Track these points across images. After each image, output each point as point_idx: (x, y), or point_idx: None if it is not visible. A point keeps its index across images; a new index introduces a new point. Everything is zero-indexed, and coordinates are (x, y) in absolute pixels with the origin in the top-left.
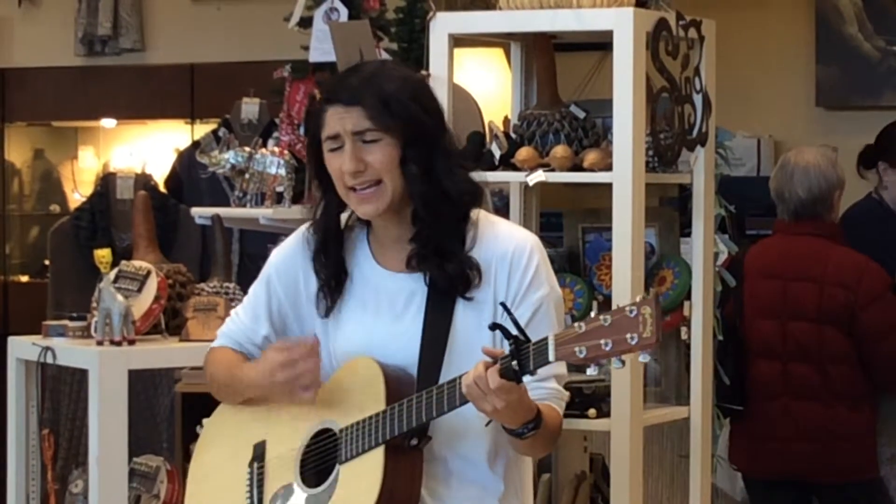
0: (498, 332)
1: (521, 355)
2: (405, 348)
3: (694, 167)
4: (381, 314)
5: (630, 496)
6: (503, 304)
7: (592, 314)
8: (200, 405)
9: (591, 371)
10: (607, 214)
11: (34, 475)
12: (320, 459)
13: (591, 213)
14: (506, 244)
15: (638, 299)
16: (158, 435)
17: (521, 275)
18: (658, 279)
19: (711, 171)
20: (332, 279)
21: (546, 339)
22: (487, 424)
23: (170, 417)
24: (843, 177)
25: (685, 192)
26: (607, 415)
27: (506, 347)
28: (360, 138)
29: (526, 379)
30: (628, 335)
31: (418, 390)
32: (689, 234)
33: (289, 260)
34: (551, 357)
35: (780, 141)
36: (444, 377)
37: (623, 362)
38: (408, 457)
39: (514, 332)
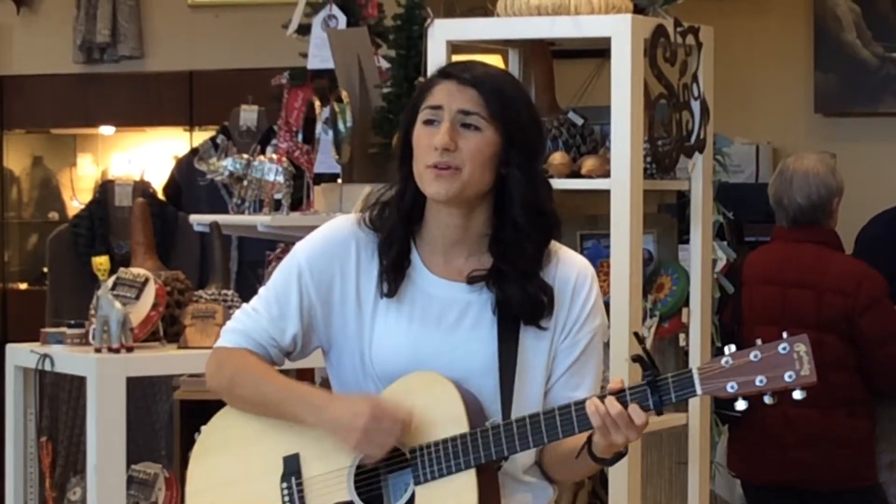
0: (549, 356)
1: (659, 387)
2: (460, 362)
3: (692, 174)
4: (430, 323)
5: (628, 503)
6: (636, 334)
7: (731, 349)
8: (199, 412)
9: (742, 405)
10: (605, 221)
11: (32, 483)
12: (372, 478)
13: (590, 220)
14: (569, 270)
15: (785, 335)
16: (157, 442)
17: (583, 303)
18: (656, 286)
19: (710, 178)
20: (399, 264)
21: (690, 371)
22: (578, 456)
23: (168, 425)
24: (842, 184)
25: (683, 198)
26: None
27: (583, 378)
28: (462, 119)
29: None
30: (786, 373)
31: (503, 413)
32: (687, 241)
33: (326, 256)
34: (699, 390)
35: (778, 147)
36: (516, 400)
37: (774, 398)
38: (491, 477)
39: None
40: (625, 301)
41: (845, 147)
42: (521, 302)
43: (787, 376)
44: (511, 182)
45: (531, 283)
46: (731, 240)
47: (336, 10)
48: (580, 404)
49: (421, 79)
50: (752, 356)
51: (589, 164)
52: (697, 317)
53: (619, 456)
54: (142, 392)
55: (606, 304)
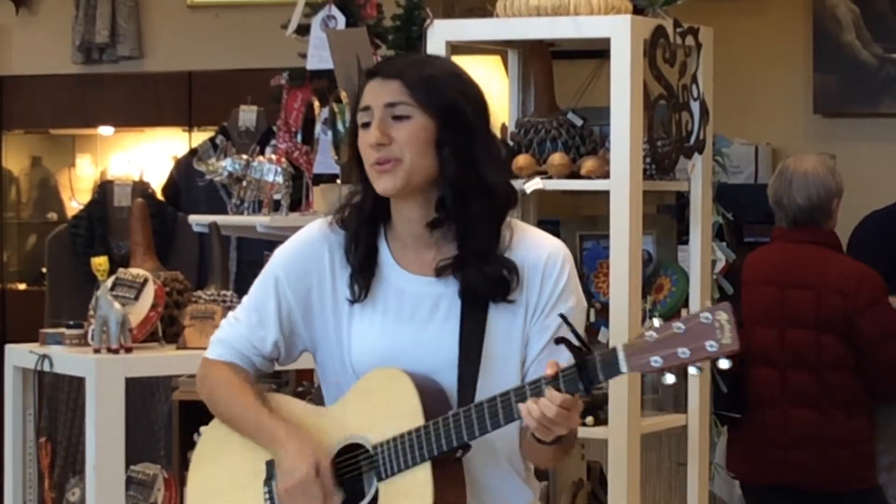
0: (522, 338)
1: (587, 368)
2: (432, 355)
3: (691, 174)
4: (404, 320)
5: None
6: (562, 316)
7: (657, 322)
8: (198, 413)
9: (670, 379)
10: (605, 222)
11: (31, 483)
12: (344, 476)
13: (589, 221)
14: (539, 251)
15: (708, 304)
16: (156, 443)
17: (554, 283)
18: (656, 287)
19: (709, 179)
20: (367, 265)
21: (614, 349)
22: (521, 445)
23: (167, 425)
24: (841, 184)
25: (683, 199)
26: (605, 422)
27: (558, 358)
28: (391, 112)
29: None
30: (707, 342)
31: (459, 402)
32: (686, 242)
33: (301, 262)
34: (623, 368)
35: (777, 148)
36: (480, 386)
37: (701, 369)
38: (453, 470)
39: (577, 343)
40: (624, 302)
41: (845, 148)
42: (481, 284)
43: (710, 346)
44: (444, 163)
45: (488, 264)
46: (730, 241)
47: (335, 11)
48: (519, 391)
49: None
50: (675, 328)
51: (588, 164)
52: None
53: (560, 438)
54: (141, 393)
55: (605, 306)
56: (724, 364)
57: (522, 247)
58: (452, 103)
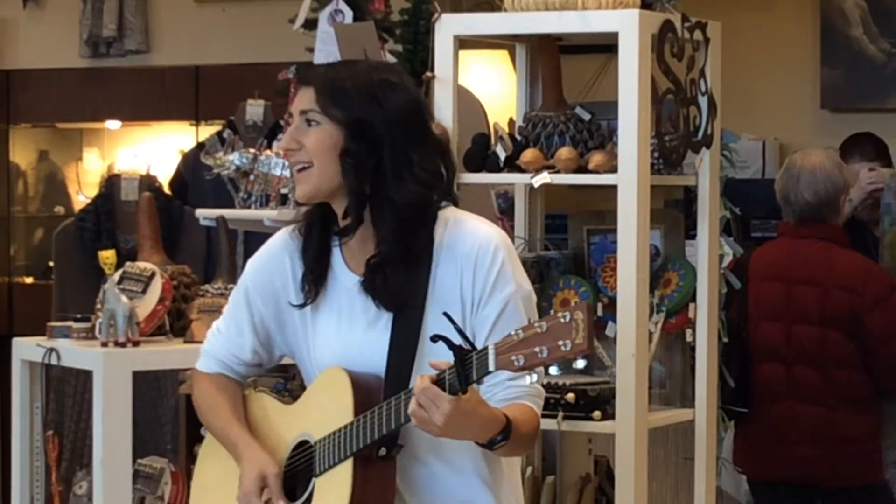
0: (467, 332)
1: (465, 365)
2: (376, 355)
3: (699, 169)
4: (355, 321)
5: (635, 499)
6: (446, 314)
7: (529, 321)
8: None
9: (533, 378)
10: (612, 216)
11: (38, 477)
12: (297, 473)
13: (596, 215)
14: (470, 243)
15: (572, 304)
16: (163, 436)
17: (486, 274)
18: (663, 281)
19: (717, 173)
20: (315, 265)
21: (486, 348)
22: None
23: (174, 419)
24: (849, 180)
25: (690, 193)
26: (612, 417)
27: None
28: (304, 118)
29: (499, 378)
30: (561, 342)
31: (385, 398)
32: (694, 237)
33: (265, 269)
34: (492, 367)
35: (785, 143)
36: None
37: (560, 370)
38: (378, 467)
39: (459, 341)
40: (632, 296)
41: None
42: (384, 289)
43: (563, 345)
44: (345, 172)
45: (395, 270)
46: (737, 235)
47: (342, 5)
48: (409, 393)
49: (428, 73)
50: (538, 326)
51: (596, 159)
52: (704, 312)
53: (496, 440)
54: (148, 386)
55: (613, 300)
56: (579, 364)
57: (455, 240)
58: (359, 115)
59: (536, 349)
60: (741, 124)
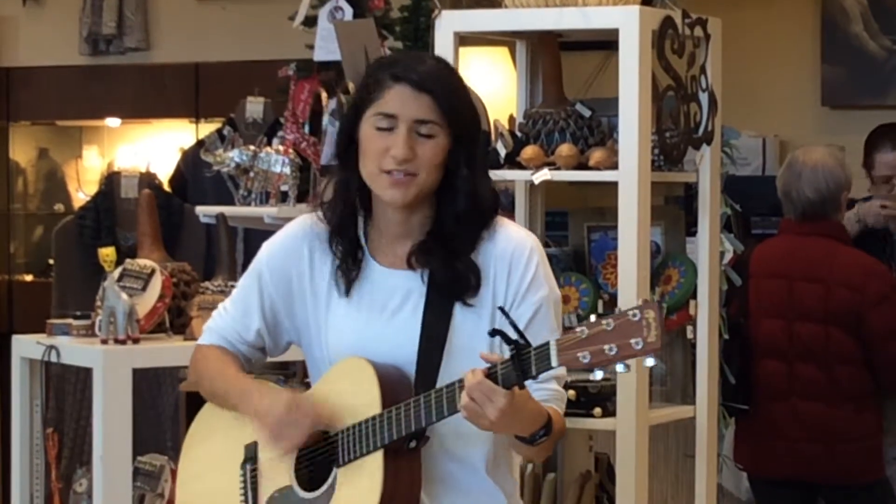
0: (497, 336)
1: (522, 360)
2: (401, 347)
3: (700, 166)
4: (375, 311)
5: (635, 496)
6: (501, 308)
7: (593, 318)
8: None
9: (597, 375)
10: (613, 213)
11: (38, 474)
12: (314, 462)
13: (597, 212)
14: (505, 245)
15: (640, 302)
16: (162, 434)
17: (521, 276)
18: (664, 278)
19: (717, 170)
20: (349, 256)
21: (548, 344)
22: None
23: (174, 416)
24: (850, 177)
25: (691, 190)
26: (613, 414)
27: (505, 352)
28: (418, 128)
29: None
30: (633, 340)
31: (416, 391)
32: (694, 233)
33: (281, 256)
34: (554, 363)
35: (785, 140)
36: (442, 379)
37: (628, 367)
38: (406, 459)
39: (514, 336)
40: (632, 293)
41: (853, 140)
42: (447, 276)
43: (635, 343)
44: (458, 179)
45: (458, 258)
46: (737, 232)
47: (342, 2)
48: (451, 386)
49: None
50: (605, 324)
51: (596, 155)
52: (705, 309)
53: (538, 434)
54: (148, 384)
55: (613, 297)
56: (649, 362)
57: (492, 242)
58: (468, 121)
59: (605, 347)
60: (742, 121)
